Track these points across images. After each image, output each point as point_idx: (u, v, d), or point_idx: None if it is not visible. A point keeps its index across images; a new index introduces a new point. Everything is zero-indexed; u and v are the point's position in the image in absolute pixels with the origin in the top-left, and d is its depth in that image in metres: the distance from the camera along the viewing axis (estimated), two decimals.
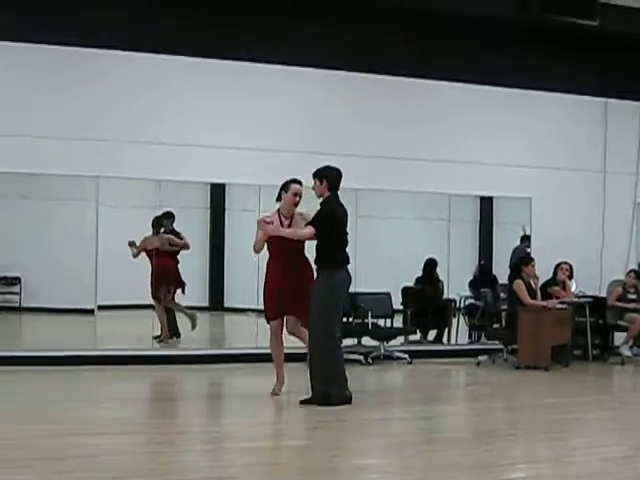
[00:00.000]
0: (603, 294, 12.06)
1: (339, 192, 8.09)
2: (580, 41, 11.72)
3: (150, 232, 11.38)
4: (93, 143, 10.27)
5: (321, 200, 8.06)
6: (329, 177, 8.01)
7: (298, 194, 8.21)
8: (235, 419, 7.68)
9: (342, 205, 8.08)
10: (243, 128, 10.81)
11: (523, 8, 11.00)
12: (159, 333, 11.27)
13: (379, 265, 11.76)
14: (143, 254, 11.30)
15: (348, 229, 8.18)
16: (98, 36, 10.16)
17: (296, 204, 8.24)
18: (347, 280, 8.04)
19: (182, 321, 11.47)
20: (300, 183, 8.25)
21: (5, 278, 11.90)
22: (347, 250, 8.08)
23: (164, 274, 11.36)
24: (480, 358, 11.30)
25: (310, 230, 7.96)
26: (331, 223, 7.96)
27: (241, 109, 10.84)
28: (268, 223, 8.10)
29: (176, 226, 11.54)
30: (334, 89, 11.40)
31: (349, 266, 8.09)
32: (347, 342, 11.11)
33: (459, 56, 11.70)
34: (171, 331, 11.38)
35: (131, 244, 11.17)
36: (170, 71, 10.66)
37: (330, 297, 7.88)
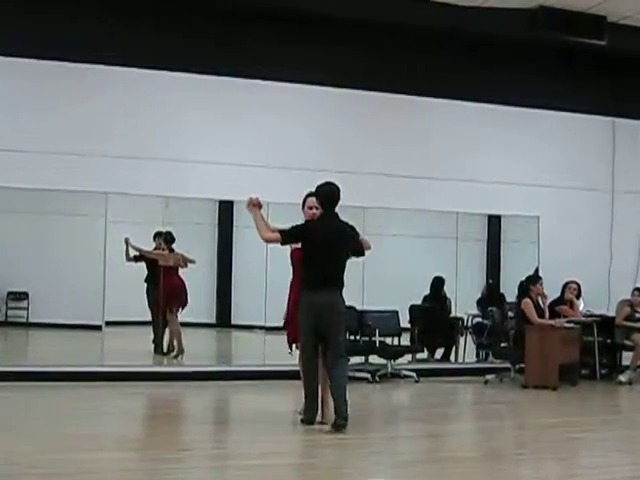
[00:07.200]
0: (611, 313, 12.01)
1: (340, 210, 7.79)
2: (589, 60, 11.77)
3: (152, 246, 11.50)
4: (102, 159, 10.30)
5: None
6: (318, 193, 7.81)
7: (312, 206, 7.88)
8: (239, 437, 7.62)
9: (332, 224, 7.72)
10: (251, 145, 10.84)
11: (531, 27, 11.05)
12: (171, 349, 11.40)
13: (387, 283, 11.75)
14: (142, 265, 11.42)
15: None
16: (109, 52, 10.24)
17: (315, 216, 7.86)
18: (308, 306, 7.56)
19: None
20: (314, 195, 7.85)
21: (13, 293, 11.93)
22: (330, 274, 7.60)
23: (176, 291, 11.41)
24: (487, 377, 11.26)
25: (275, 235, 7.67)
26: (297, 237, 7.69)
27: (250, 126, 10.87)
28: (255, 205, 7.69)
29: (185, 243, 11.58)
30: (342, 107, 11.41)
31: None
32: (354, 360, 11.12)
33: (468, 74, 11.73)
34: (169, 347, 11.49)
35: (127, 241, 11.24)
36: (179, 88, 10.69)
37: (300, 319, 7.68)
